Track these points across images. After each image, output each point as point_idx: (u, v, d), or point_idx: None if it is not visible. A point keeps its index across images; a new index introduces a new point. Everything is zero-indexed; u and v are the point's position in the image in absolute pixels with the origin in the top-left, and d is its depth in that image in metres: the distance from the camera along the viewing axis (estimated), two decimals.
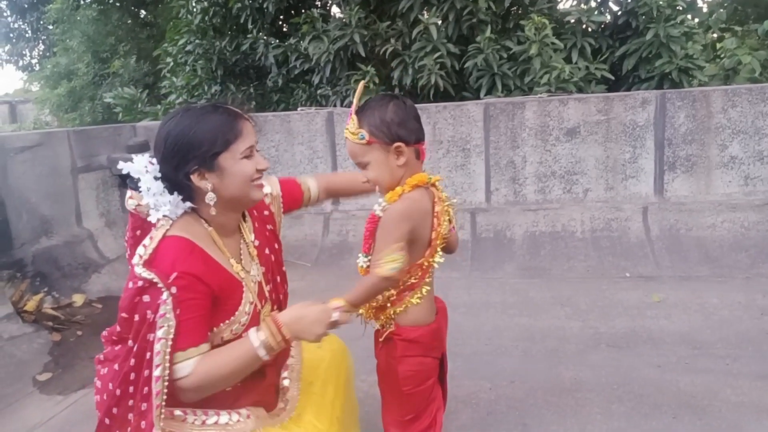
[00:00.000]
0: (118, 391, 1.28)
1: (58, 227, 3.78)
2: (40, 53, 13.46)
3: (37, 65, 13.46)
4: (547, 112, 4.07)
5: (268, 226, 1.59)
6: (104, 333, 1.42)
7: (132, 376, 1.27)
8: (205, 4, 7.35)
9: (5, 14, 13.24)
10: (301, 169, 4.46)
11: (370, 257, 1.47)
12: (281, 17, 7.33)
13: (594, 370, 2.45)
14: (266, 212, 1.60)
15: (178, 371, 1.27)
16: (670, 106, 3.88)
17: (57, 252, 3.70)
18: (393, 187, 1.44)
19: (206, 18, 7.31)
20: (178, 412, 1.39)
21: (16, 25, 13.37)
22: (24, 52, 13.73)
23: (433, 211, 1.46)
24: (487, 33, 5.29)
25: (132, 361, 1.26)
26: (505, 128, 4.16)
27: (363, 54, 5.90)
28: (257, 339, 1.33)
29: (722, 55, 5.22)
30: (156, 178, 1.34)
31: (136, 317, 1.26)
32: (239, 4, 6.90)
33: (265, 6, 6.75)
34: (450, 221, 1.54)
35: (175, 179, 1.32)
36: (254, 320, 1.44)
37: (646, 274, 3.55)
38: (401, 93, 5.92)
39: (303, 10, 6.77)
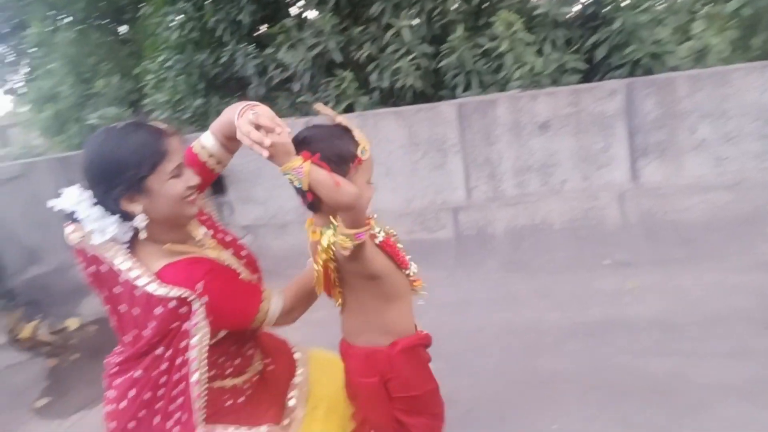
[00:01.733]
0: (147, 395, 1.31)
1: (47, 254, 3.86)
2: (26, 76, 13.47)
3: (23, 89, 13.47)
4: (518, 108, 4.14)
5: (204, 216, 1.59)
6: (113, 356, 1.41)
7: (163, 380, 1.31)
8: (181, 18, 7.39)
9: None
10: (281, 181, 4.52)
11: None
12: (257, 27, 7.38)
13: (570, 360, 2.54)
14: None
15: (274, 314, 1.43)
16: (638, 95, 3.96)
17: (48, 279, 3.77)
18: None
19: (183, 33, 7.34)
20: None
21: None
22: (7, 77, 13.74)
23: None
24: (459, 32, 5.37)
25: (164, 366, 1.30)
26: (479, 126, 4.24)
27: (339, 60, 5.98)
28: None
29: (692, 38, 5.31)
30: (93, 205, 1.31)
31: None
32: (215, 17, 6.95)
33: (239, 18, 6.81)
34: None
35: (105, 204, 1.30)
36: None
37: (623, 261, 3.64)
38: (379, 95, 6.01)
39: (278, 20, 6.84)
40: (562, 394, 2.28)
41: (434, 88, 5.91)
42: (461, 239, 4.20)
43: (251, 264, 1.60)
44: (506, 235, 4.13)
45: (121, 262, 1.30)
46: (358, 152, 1.35)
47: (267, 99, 6.97)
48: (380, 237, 1.39)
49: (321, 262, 1.36)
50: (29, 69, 13.03)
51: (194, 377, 1.30)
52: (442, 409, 1.59)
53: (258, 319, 1.41)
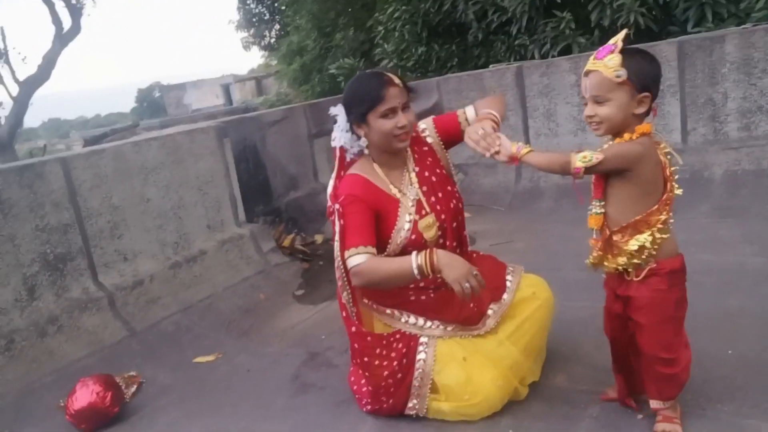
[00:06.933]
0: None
1: (301, 182, 4.82)
2: (277, 33, 15.54)
3: (276, 44, 15.58)
4: (751, 44, 3.86)
5: (428, 158, 2.10)
6: None
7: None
8: None
9: (248, 2, 15.53)
10: None
11: (603, 202, 1.66)
12: None
13: (762, 301, 2.53)
14: (425, 147, 2.13)
15: (350, 262, 1.86)
16: None
17: (302, 202, 4.73)
18: (619, 129, 1.59)
19: None
20: (388, 311, 2.03)
21: (257, 10, 15.61)
22: (264, 34, 15.99)
23: (656, 154, 1.60)
24: None
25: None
26: (702, 65, 4.05)
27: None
28: (414, 260, 1.78)
29: None
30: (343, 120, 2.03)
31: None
32: None
33: None
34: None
35: (347, 125, 2.01)
36: (414, 229, 1.96)
37: None
38: (600, 35, 5.89)
39: None
40: (745, 329, 2.34)
41: (662, 22, 5.61)
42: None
43: (438, 203, 2.03)
44: (724, 180, 3.97)
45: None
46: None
47: (485, 44, 7.24)
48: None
49: None
50: (281, 26, 15.01)
51: (336, 262, 2.01)
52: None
53: (344, 257, 1.91)
